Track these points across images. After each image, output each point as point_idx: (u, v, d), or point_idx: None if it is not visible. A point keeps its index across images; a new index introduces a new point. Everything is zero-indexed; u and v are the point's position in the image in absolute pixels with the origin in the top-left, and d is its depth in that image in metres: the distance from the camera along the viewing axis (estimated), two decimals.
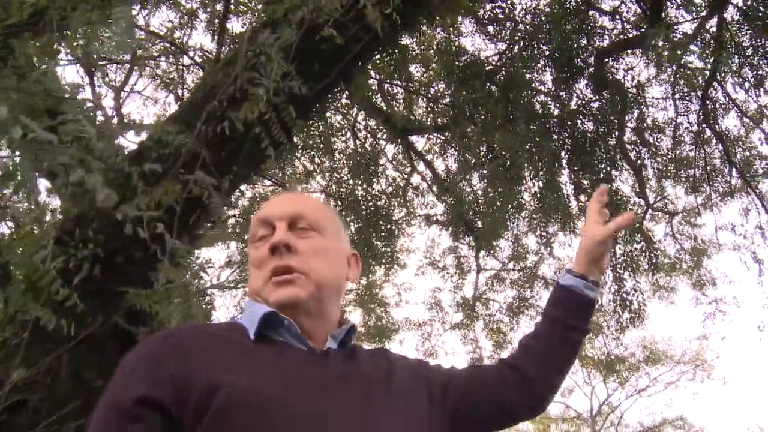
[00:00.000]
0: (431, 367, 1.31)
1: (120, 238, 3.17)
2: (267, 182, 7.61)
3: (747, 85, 7.37)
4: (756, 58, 7.04)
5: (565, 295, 1.35)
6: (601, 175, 7.72)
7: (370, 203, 7.94)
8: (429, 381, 1.24)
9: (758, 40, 6.87)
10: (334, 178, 7.99)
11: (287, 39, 3.25)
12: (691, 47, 6.95)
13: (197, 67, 6.64)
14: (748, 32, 7.01)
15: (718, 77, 7.47)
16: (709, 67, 7.21)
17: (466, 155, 7.87)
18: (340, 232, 1.28)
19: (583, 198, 8.06)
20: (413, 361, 1.31)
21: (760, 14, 6.40)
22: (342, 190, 7.87)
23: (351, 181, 7.98)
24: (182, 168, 3.01)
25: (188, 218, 3.05)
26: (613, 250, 8.18)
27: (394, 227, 8.41)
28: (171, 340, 1.06)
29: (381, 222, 7.81)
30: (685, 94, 8.34)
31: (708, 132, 8.21)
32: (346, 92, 6.35)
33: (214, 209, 3.25)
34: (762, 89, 7.13)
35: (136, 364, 1.01)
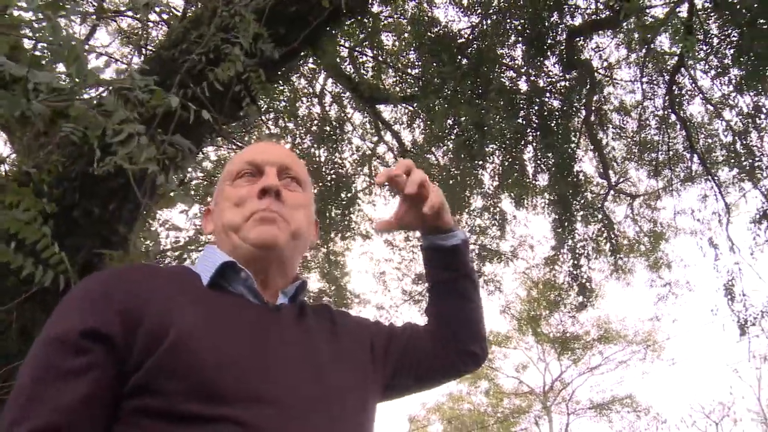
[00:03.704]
0: (372, 325, 1.31)
1: (77, 194, 3.10)
2: (232, 145, 7.49)
3: (713, 73, 7.46)
4: (722, 47, 7.10)
5: (428, 255, 1.35)
6: (566, 154, 7.77)
7: (332, 170, 7.87)
8: (371, 338, 1.24)
9: (725, 30, 6.93)
10: (296, 143, 7.90)
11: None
12: (662, 31, 6.98)
13: (163, 23, 6.45)
14: (716, 21, 7.06)
15: (686, 63, 7.53)
16: (677, 52, 7.27)
17: (433, 128, 7.83)
18: (312, 192, 1.29)
19: (546, 176, 8.12)
20: (355, 318, 1.31)
21: (729, 4, 6.43)
22: (304, 156, 7.78)
23: (314, 147, 7.90)
24: (159, 128, 2.94)
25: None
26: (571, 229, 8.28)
27: (355, 196, 8.36)
28: (122, 276, 1.02)
29: (341, 190, 7.75)
30: (653, 78, 8.41)
31: (673, 117, 8.30)
32: (313, 57, 6.24)
33: (184, 170, 3.18)
34: (726, 78, 7.22)
35: (83, 297, 0.96)
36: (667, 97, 8.00)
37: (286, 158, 1.21)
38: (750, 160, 7.64)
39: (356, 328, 1.25)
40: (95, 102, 2.41)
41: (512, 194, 8.06)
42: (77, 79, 1.83)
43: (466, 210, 8.48)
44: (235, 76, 3.01)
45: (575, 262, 8.59)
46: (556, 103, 7.97)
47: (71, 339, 0.89)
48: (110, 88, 2.27)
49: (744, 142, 7.73)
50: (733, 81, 7.18)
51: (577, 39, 7.67)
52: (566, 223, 8.28)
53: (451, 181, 7.70)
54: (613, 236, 8.93)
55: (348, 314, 1.32)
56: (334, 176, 7.82)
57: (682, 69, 7.69)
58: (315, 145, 7.90)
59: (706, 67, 7.49)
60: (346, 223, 8.11)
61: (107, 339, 0.90)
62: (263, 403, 0.92)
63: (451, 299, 1.34)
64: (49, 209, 2.61)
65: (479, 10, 7.68)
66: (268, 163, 1.17)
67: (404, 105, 8.22)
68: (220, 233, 1.16)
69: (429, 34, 7.21)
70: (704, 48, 7.24)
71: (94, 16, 6.91)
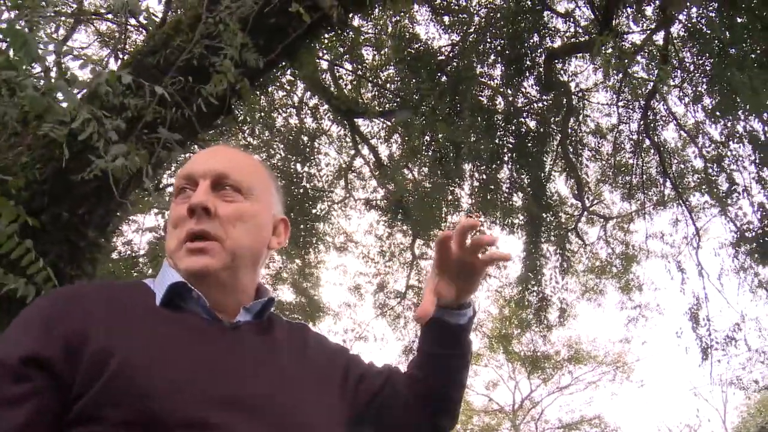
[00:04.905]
0: (350, 357, 1.26)
1: (46, 197, 3.02)
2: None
3: (686, 100, 7.58)
4: (696, 75, 7.22)
5: (430, 326, 1.25)
6: (541, 174, 7.83)
7: (301, 184, 7.81)
8: (345, 369, 1.20)
9: (699, 58, 7.05)
10: (270, 153, 7.84)
11: (247, 9, 3.17)
12: (638, 58, 7.08)
13: (142, 28, 6.40)
14: (691, 50, 7.19)
15: (660, 89, 7.64)
16: (653, 79, 7.38)
17: (410, 143, 7.84)
18: (270, 194, 1.19)
19: (521, 195, 8.17)
20: (332, 345, 1.26)
21: (704, 34, 6.55)
22: (277, 165, 7.72)
23: (288, 157, 7.85)
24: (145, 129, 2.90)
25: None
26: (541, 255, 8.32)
27: (324, 208, 8.31)
28: (68, 297, 0.98)
29: (309, 203, 7.69)
30: (629, 103, 8.52)
31: (647, 142, 8.41)
32: (291, 69, 6.23)
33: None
34: (700, 105, 7.34)
35: (27, 321, 0.93)
36: (642, 122, 8.11)
37: (223, 165, 1.11)
38: (721, 187, 7.76)
39: (331, 354, 1.22)
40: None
41: (487, 213, 8.09)
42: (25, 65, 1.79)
43: (442, 226, 8.49)
44: (228, 88, 2.99)
45: (537, 285, 8.63)
46: (532, 124, 8.03)
47: (11, 366, 0.86)
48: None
49: (715, 169, 7.86)
50: (707, 109, 7.30)
51: (556, 61, 7.74)
52: (536, 243, 8.32)
53: (426, 198, 7.70)
54: (565, 262, 8.96)
55: (326, 339, 1.28)
56: (307, 188, 7.78)
57: (657, 95, 7.80)
58: (290, 156, 7.85)
59: (681, 94, 7.62)
60: (319, 235, 8.05)
61: (48, 365, 0.87)
62: (205, 428, 0.89)
63: (438, 372, 1.26)
64: (32, 222, 2.55)
65: (460, 29, 7.73)
66: (201, 174, 1.09)
67: (382, 119, 8.23)
68: (167, 257, 1.11)
69: (409, 50, 7.23)
70: (679, 75, 7.36)
71: (71, 19, 6.83)
